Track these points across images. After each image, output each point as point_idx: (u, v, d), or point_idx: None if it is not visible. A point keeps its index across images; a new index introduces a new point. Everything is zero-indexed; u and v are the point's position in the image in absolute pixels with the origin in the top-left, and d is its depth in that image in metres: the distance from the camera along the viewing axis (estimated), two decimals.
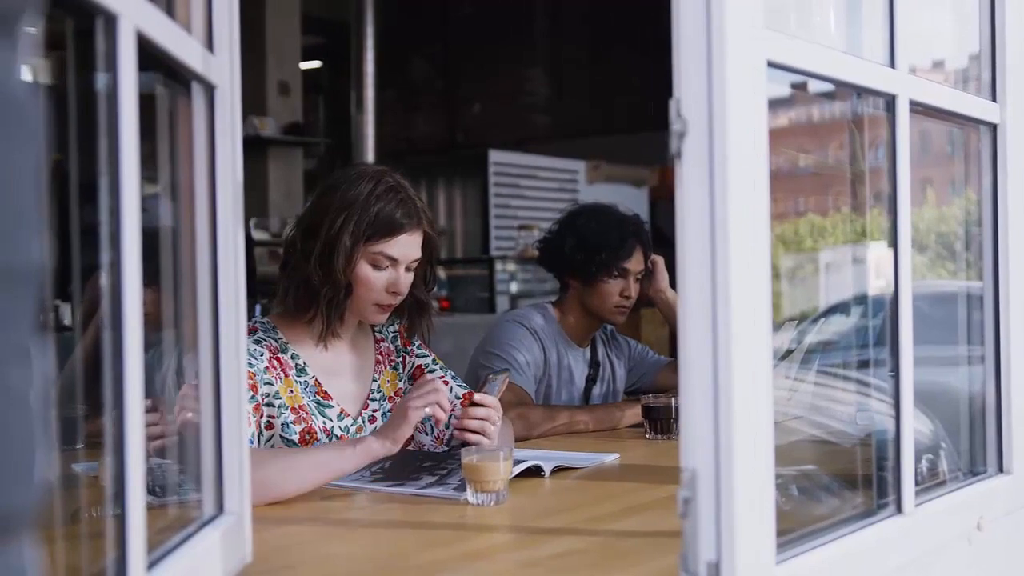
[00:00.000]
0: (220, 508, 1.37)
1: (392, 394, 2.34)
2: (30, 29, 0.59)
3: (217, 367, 1.37)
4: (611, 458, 2.34)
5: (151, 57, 1.12)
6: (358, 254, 2.16)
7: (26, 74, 0.58)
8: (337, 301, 2.18)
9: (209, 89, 1.35)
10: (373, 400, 2.31)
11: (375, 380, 2.33)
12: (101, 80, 1.02)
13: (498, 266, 7.55)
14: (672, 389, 2.97)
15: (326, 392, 2.22)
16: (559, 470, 2.17)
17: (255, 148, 7.07)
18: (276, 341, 2.21)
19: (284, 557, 1.56)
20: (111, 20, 1.00)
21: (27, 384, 0.57)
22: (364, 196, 2.15)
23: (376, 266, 2.18)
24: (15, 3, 0.56)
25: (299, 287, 2.19)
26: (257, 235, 6.95)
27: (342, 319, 2.24)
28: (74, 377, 2.05)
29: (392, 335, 2.41)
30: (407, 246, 2.19)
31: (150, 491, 1.11)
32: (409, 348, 2.41)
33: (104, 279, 1.03)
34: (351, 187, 2.17)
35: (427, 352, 2.43)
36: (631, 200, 6.67)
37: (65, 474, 1.42)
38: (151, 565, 1.10)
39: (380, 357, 2.36)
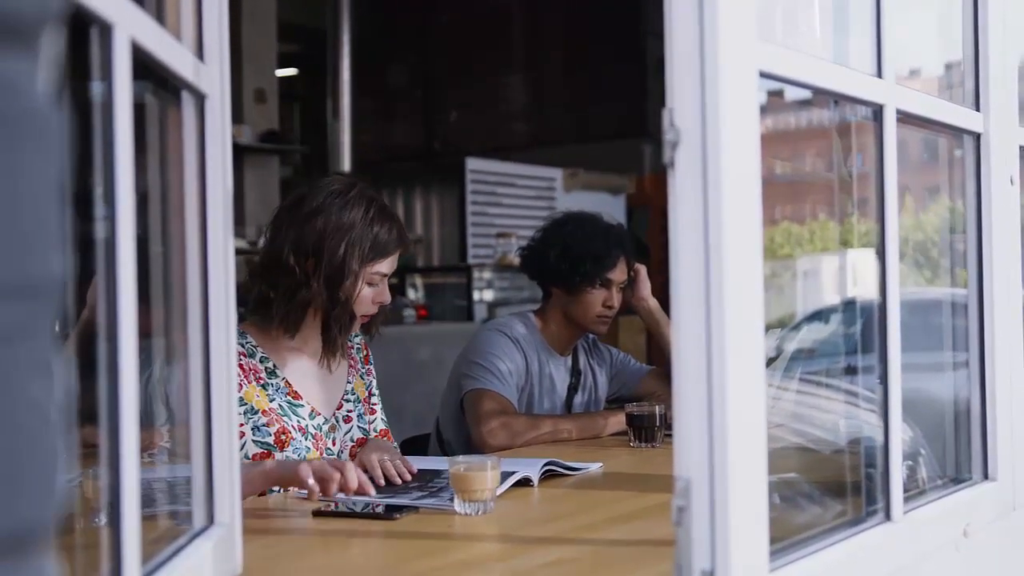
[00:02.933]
0: (211, 519, 1.36)
1: (363, 398, 2.44)
2: (49, 39, 0.59)
3: (207, 377, 1.36)
4: (595, 467, 2.35)
5: (142, 66, 1.12)
6: (362, 277, 2.25)
7: (46, 86, 0.58)
8: (345, 324, 2.26)
9: (200, 98, 1.34)
10: (348, 400, 2.39)
11: (349, 382, 2.41)
12: (95, 88, 1.02)
13: (476, 274, 7.53)
14: (654, 397, 2.98)
15: (297, 392, 2.28)
16: (548, 477, 2.17)
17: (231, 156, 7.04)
18: (243, 346, 2.24)
19: (274, 568, 1.55)
20: (106, 29, 1.00)
21: (49, 397, 0.57)
22: (360, 220, 2.24)
23: (370, 284, 2.28)
24: (36, 16, 0.56)
25: (300, 309, 2.24)
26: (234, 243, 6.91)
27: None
28: None
29: (357, 347, 2.49)
30: (396, 261, 2.33)
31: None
32: (367, 367, 2.50)
33: (93, 288, 1.02)
34: (343, 212, 2.24)
35: (374, 375, 2.53)
36: (608, 208, 6.66)
37: None
38: None
39: (352, 362, 2.45)
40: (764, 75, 1.25)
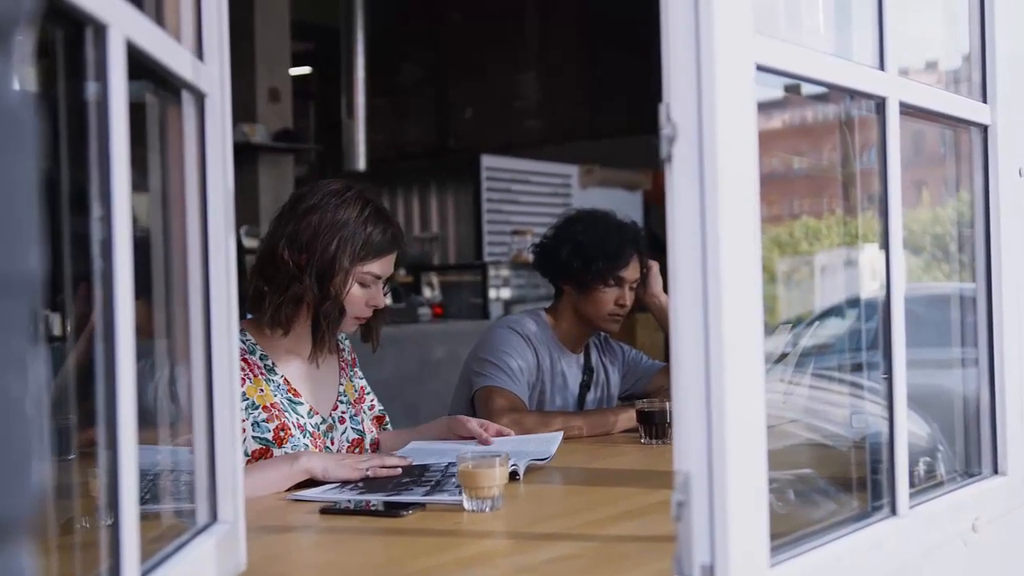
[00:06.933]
0: (214, 516, 1.37)
1: (353, 400, 2.47)
2: (23, 38, 0.59)
3: (210, 376, 1.37)
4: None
5: (140, 65, 1.12)
6: (352, 275, 2.28)
7: (20, 83, 0.59)
8: (334, 319, 2.29)
9: (199, 97, 1.35)
10: (341, 402, 2.43)
11: (341, 384, 2.45)
12: (91, 89, 1.02)
13: (491, 272, 7.53)
14: (666, 394, 2.97)
15: (296, 390, 2.32)
16: (559, 474, 2.18)
17: (245, 155, 7.05)
18: (243, 343, 2.27)
19: (278, 565, 1.56)
20: (101, 29, 1.00)
21: (24, 392, 0.57)
22: (354, 219, 2.28)
23: (362, 284, 2.31)
24: (10, 13, 0.56)
25: (291, 303, 2.27)
26: (248, 243, 6.92)
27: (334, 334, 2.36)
28: (66, 387, 2.06)
29: (346, 349, 2.53)
30: (390, 264, 2.35)
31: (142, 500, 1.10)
32: (355, 369, 2.54)
33: (95, 288, 1.03)
34: (339, 210, 2.28)
35: (361, 375, 2.57)
36: (625, 204, 6.66)
37: (57, 484, 1.42)
38: (145, 573, 1.09)
39: (343, 364, 2.49)
40: (762, 69, 1.25)
